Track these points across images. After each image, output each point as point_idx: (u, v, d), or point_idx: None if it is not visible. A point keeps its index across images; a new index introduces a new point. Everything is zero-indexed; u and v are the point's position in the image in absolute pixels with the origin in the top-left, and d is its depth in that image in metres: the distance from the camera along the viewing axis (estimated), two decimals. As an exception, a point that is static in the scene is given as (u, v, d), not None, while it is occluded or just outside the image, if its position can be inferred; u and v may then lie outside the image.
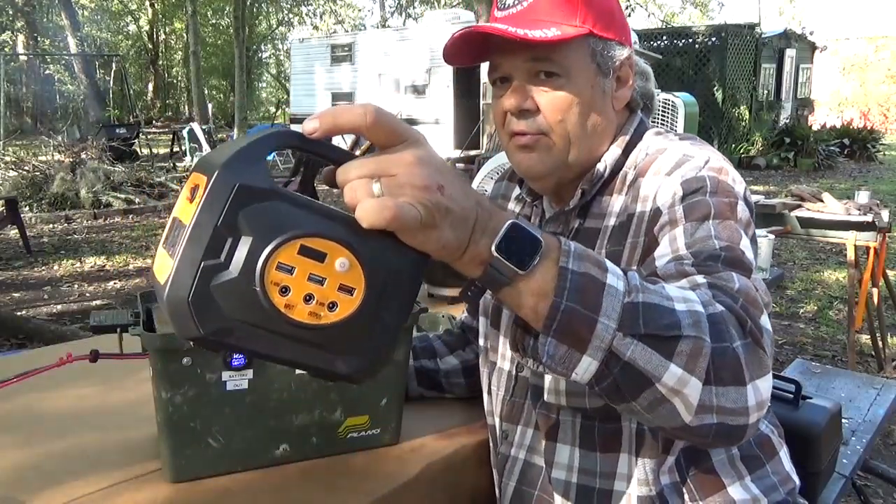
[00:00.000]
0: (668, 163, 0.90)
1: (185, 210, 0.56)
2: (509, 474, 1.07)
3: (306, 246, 0.54)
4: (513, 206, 1.14)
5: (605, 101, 0.95)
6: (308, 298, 0.55)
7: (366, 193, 0.54)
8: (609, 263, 0.64)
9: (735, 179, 0.87)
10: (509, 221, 0.60)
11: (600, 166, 0.97)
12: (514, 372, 1.08)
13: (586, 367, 0.62)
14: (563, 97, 0.92)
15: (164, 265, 0.57)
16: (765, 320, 0.71)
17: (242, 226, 0.53)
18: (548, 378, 1.00)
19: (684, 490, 0.94)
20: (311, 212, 0.55)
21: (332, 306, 0.56)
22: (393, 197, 0.54)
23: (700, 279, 0.72)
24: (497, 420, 1.10)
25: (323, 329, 0.56)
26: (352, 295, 0.56)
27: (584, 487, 0.97)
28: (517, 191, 1.12)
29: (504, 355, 1.10)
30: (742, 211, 0.83)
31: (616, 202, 0.95)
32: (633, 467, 0.94)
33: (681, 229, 0.82)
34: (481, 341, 1.16)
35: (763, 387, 0.66)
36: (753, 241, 0.84)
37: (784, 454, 1.03)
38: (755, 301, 0.71)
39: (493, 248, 0.59)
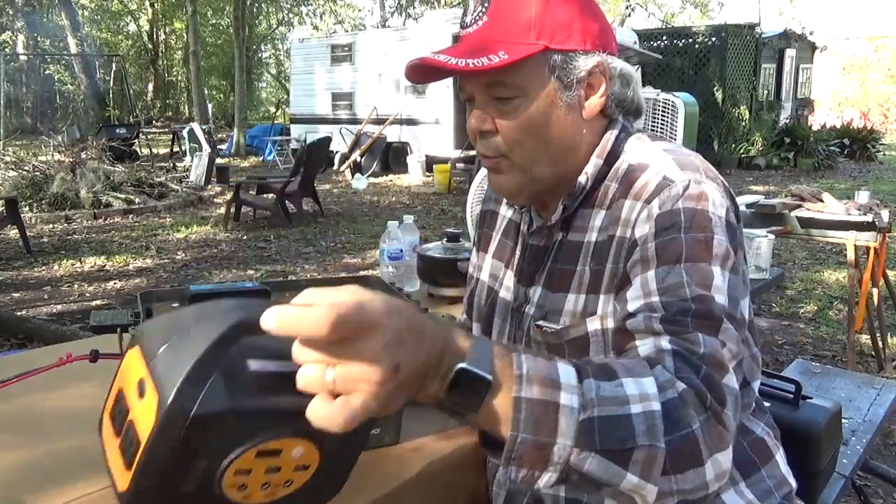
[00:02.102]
0: (648, 186, 0.88)
1: (135, 406, 0.55)
2: (500, 484, 1.07)
3: (263, 449, 0.55)
4: (505, 210, 1.13)
5: (572, 114, 0.92)
6: (265, 485, 0.57)
7: (318, 386, 0.53)
8: (563, 374, 0.66)
9: (715, 202, 0.85)
10: (457, 367, 0.61)
11: (581, 179, 0.95)
12: None
13: (547, 479, 0.65)
14: (521, 119, 0.90)
15: (118, 466, 0.56)
16: (729, 380, 0.74)
17: (198, 450, 0.53)
18: None
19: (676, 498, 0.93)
20: (267, 417, 0.55)
21: (287, 483, 0.58)
22: (346, 388, 0.53)
23: (666, 344, 0.75)
24: None
25: (279, 500, 0.59)
26: (307, 469, 0.58)
27: (573, 500, 0.96)
28: None
29: None
30: (718, 245, 0.81)
31: (598, 216, 0.94)
32: None
33: (652, 273, 0.82)
34: None
35: (723, 459, 0.69)
36: (733, 267, 0.82)
37: (781, 457, 1.02)
38: (720, 364, 0.74)
39: (443, 394, 0.61)
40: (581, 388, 0.66)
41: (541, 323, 0.97)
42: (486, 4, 0.90)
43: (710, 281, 0.79)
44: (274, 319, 0.51)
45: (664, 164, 0.89)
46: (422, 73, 0.92)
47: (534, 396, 0.63)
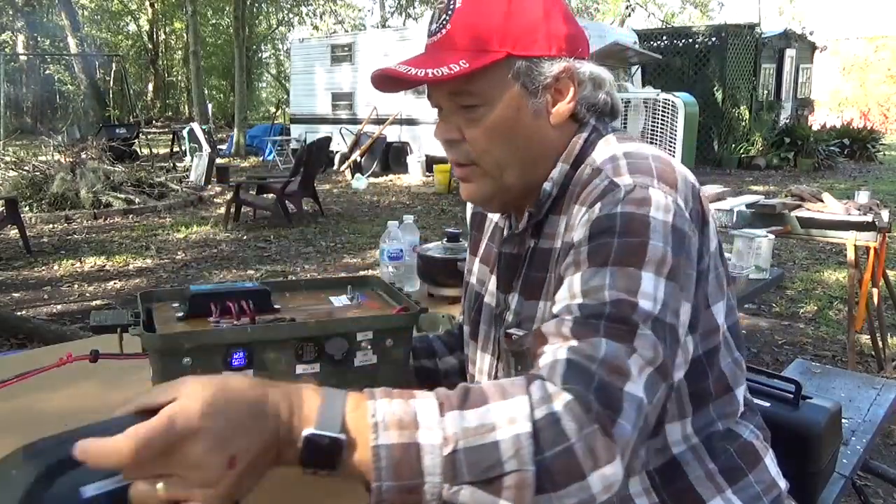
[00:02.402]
0: (595, 191, 0.86)
1: None
2: None
3: None
4: (492, 215, 1.12)
5: (539, 120, 0.92)
6: None
7: (152, 500, 0.57)
8: (422, 411, 0.66)
9: (660, 207, 0.81)
10: (304, 436, 0.63)
11: (547, 185, 0.94)
12: None
13: None
14: (486, 126, 0.90)
15: None
16: (632, 387, 0.71)
17: None
18: None
19: None
20: None
21: None
22: (181, 496, 0.57)
23: (562, 353, 0.73)
24: None
25: None
26: None
27: None
28: None
29: (481, 369, 1.09)
30: (653, 250, 0.78)
31: (562, 223, 0.93)
32: None
33: (578, 276, 0.80)
34: (465, 350, 1.16)
35: (611, 471, 0.67)
36: (670, 274, 0.79)
37: (770, 459, 1.00)
38: (619, 370, 0.71)
39: (299, 460, 0.64)
40: (443, 422, 0.66)
41: (511, 331, 0.98)
42: (449, 12, 0.89)
43: (635, 286, 0.77)
44: (81, 455, 0.56)
45: (615, 167, 0.87)
46: (386, 82, 0.92)
47: (392, 442, 0.64)
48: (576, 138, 0.95)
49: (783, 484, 1.00)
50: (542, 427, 0.66)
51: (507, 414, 0.67)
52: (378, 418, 0.65)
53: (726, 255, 2.45)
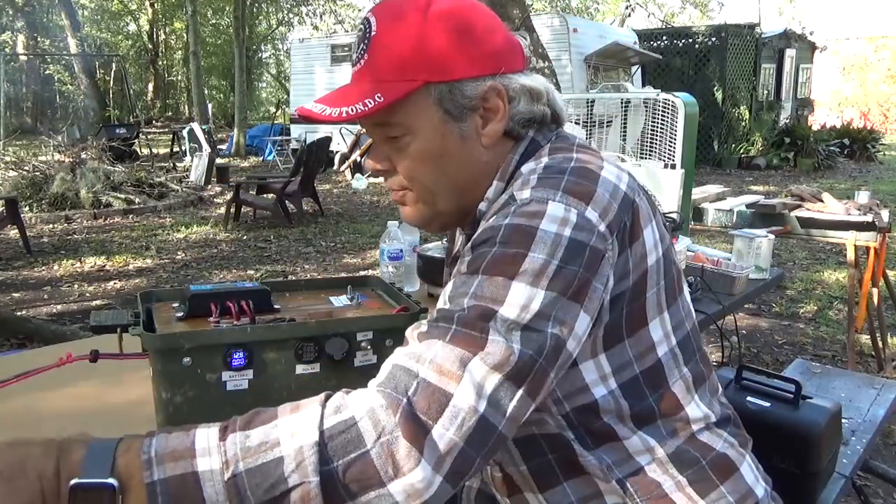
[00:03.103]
0: (497, 205, 0.85)
1: None
2: (467, 501, 1.06)
3: None
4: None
5: (468, 144, 0.89)
6: None
7: None
8: (200, 439, 0.65)
9: (555, 220, 0.77)
10: (70, 485, 0.61)
11: (483, 206, 0.91)
12: None
13: None
14: (412, 155, 0.88)
15: None
16: (458, 390, 0.68)
17: None
18: None
19: None
20: None
21: None
22: None
23: (395, 358, 0.72)
24: None
25: None
26: None
27: None
28: None
29: None
30: (531, 262, 0.75)
31: None
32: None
33: (451, 284, 0.79)
34: None
35: (415, 479, 0.65)
36: (551, 286, 0.75)
37: (747, 466, 0.97)
38: (448, 373, 0.69)
39: None
40: (223, 446, 0.64)
41: None
42: (367, 41, 0.87)
43: (501, 295, 0.73)
44: None
45: (524, 182, 0.84)
46: (312, 119, 0.89)
47: (167, 475, 0.62)
48: (510, 154, 0.91)
49: (762, 490, 0.97)
50: (331, 434, 0.65)
51: (293, 427, 0.65)
52: (150, 454, 0.63)
53: (726, 255, 2.46)
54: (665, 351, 0.90)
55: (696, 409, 0.94)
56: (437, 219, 0.95)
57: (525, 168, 0.88)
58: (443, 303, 0.78)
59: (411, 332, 0.76)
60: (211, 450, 0.64)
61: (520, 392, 0.72)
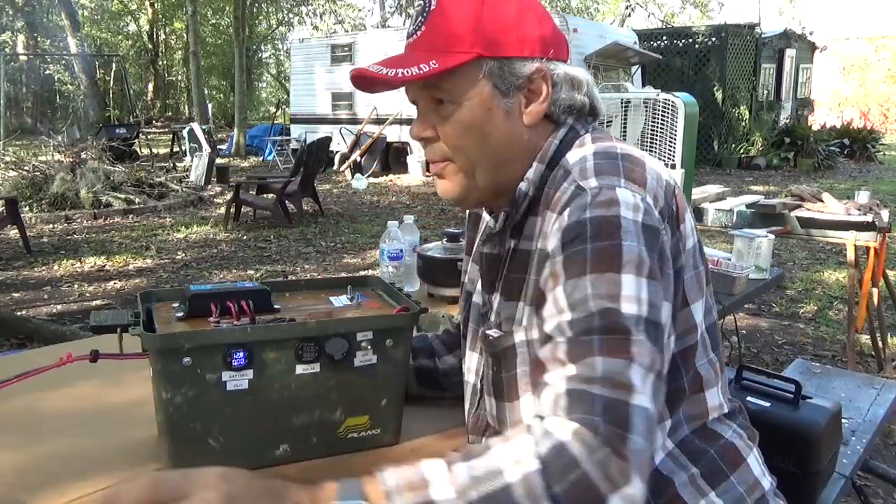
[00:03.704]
0: (563, 197, 0.87)
1: None
2: None
3: None
4: (485, 214, 1.12)
5: (511, 120, 0.93)
6: None
7: None
8: (430, 470, 0.69)
9: (629, 206, 0.82)
10: None
11: (523, 185, 0.94)
12: (478, 385, 1.08)
13: None
14: (458, 124, 0.92)
15: None
16: (639, 399, 0.72)
17: None
18: (486, 401, 1.01)
19: None
20: None
21: None
22: None
23: (561, 385, 0.74)
24: (467, 431, 1.11)
25: None
26: None
27: None
28: None
29: (470, 368, 1.10)
30: (628, 252, 0.79)
31: (538, 224, 0.93)
32: None
33: (560, 289, 0.81)
34: (461, 349, 1.17)
35: (631, 491, 0.68)
36: (651, 273, 0.79)
37: (753, 458, 0.99)
38: (620, 385, 0.72)
39: None
40: (452, 476, 0.68)
41: (489, 332, 0.99)
42: (425, 14, 0.92)
43: (617, 290, 0.77)
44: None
45: (582, 169, 0.88)
46: (364, 82, 0.94)
47: (407, 503, 0.67)
48: (551, 138, 0.96)
49: (767, 483, 0.99)
50: (549, 461, 0.67)
51: (512, 456, 0.69)
52: (390, 485, 0.68)
53: (726, 255, 2.46)
54: (700, 333, 0.95)
55: (715, 395, 0.98)
56: (473, 193, 0.97)
57: (572, 155, 0.92)
58: (559, 311, 0.80)
59: (552, 353, 0.78)
60: (442, 480, 0.68)
61: (662, 387, 0.77)
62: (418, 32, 0.92)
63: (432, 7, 0.91)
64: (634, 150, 0.92)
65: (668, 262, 0.84)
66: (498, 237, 1.00)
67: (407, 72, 0.88)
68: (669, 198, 0.88)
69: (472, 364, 1.09)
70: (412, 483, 0.68)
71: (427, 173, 11.72)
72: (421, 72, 0.87)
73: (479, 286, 1.09)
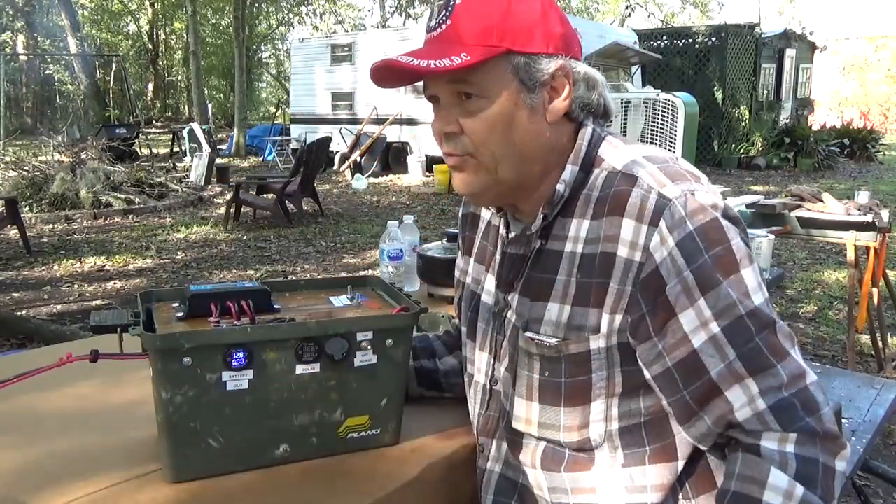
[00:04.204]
0: (646, 206, 0.88)
1: None
2: (486, 488, 1.07)
3: None
4: (486, 213, 1.13)
5: (536, 117, 0.93)
6: None
7: None
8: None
9: (715, 205, 0.88)
10: None
11: (560, 187, 0.95)
12: (488, 385, 1.08)
13: None
14: (484, 118, 0.91)
15: None
16: (809, 378, 0.86)
17: None
18: (517, 405, 1.00)
19: (678, 489, 0.94)
20: None
21: None
22: None
23: (761, 403, 0.86)
24: (475, 432, 1.11)
25: None
26: None
27: None
28: None
29: (479, 368, 1.09)
30: (738, 249, 0.87)
31: (581, 227, 0.93)
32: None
33: (702, 302, 0.86)
34: (462, 350, 1.17)
35: (846, 452, 0.86)
36: (750, 256, 0.89)
37: None
38: (797, 378, 0.85)
39: None
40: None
41: (533, 336, 0.97)
42: (450, 8, 0.91)
43: (746, 287, 0.86)
44: None
45: (653, 177, 0.90)
46: (386, 75, 0.93)
47: None
48: (580, 140, 0.96)
49: None
50: (808, 474, 0.83)
51: (779, 492, 0.83)
52: None
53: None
54: None
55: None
56: (492, 188, 0.96)
57: (610, 157, 0.95)
58: (706, 322, 0.86)
59: (728, 372, 0.86)
60: None
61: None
62: (443, 26, 0.92)
63: (457, 1, 0.91)
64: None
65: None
66: (526, 238, 1.00)
67: (439, 63, 0.87)
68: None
69: (482, 364, 1.09)
70: None
71: (427, 173, 11.73)
72: (453, 63, 0.87)
73: (488, 286, 1.08)
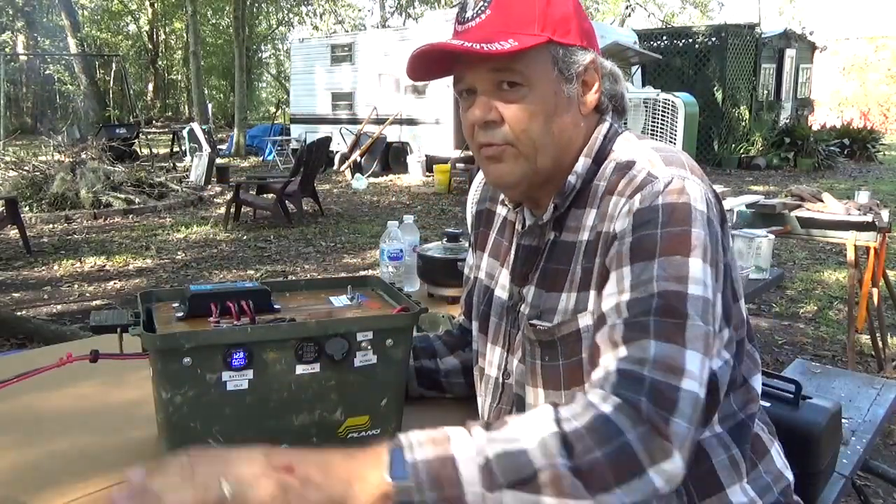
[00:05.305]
0: (633, 182, 0.89)
1: None
2: None
3: None
4: (501, 209, 1.14)
5: (571, 107, 0.95)
6: None
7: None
8: (451, 431, 0.74)
9: (697, 198, 0.86)
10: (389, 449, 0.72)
11: (571, 178, 0.96)
12: (500, 379, 1.08)
13: None
14: (527, 107, 0.92)
15: None
16: (687, 384, 0.75)
17: None
18: (529, 395, 1.01)
19: (682, 491, 0.93)
20: None
21: None
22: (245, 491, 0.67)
23: (613, 365, 0.78)
24: None
25: None
26: None
27: None
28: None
29: (491, 362, 1.10)
30: (697, 238, 0.83)
31: (588, 216, 0.95)
32: None
33: (627, 269, 0.84)
34: (473, 345, 1.17)
35: (670, 468, 0.72)
36: (713, 261, 0.84)
37: (776, 451, 1.03)
38: (671, 368, 0.76)
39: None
40: (472, 438, 0.73)
41: (534, 322, 0.98)
42: (486, 1, 0.92)
43: (684, 273, 0.81)
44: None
45: (650, 160, 0.91)
46: (426, 62, 0.93)
47: (428, 456, 0.71)
48: (596, 133, 0.98)
49: (790, 476, 1.02)
50: (589, 428, 0.72)
51: (530, 424, 0.74)
52: (412, 439, 0.73)
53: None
54: (747, 325, 0.99)
55: (758, 384, 1.01)
56: (528, 178, 0.96)
57: (623, 151, 0.95)
58: (624, 291, 0.82)
59: (608, 335, 0.81)
60: (464, 439, 0.72)
61: (711, 370, 0.81)
62: (483, 15, 0.92)
63: None
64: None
65: (722, 255, 0.88)
66: (539, 229, 1.01)
67: (491, 47, 0.87)
68: (717, 197, 0.92)
69: (494, 358, 1.09)
70: (434, 438, 0.73)
71: (427, 173, 11.72)
72: (503, 48, 0.87)
73: (502, 280, 1.09)
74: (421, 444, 0.72)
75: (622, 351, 0.79)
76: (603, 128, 0.98)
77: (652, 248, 0.83)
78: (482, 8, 0.92)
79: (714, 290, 0.82)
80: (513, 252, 1.07)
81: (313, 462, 0.71)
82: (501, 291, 1.08)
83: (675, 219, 0.84)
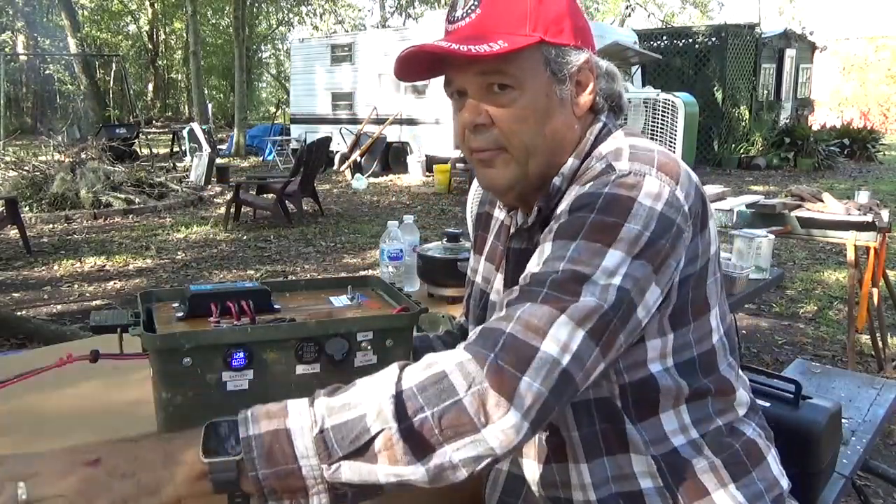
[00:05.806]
0: (591, 172, 0.89)
1: None
2: (493, 485, 1.07)
3: None
4: (498, 213, 1.13)
5: (564, 109, 0.93)
6: None
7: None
8: (292, 403, 0.71)
9: (651, 195, 0.82)
10: (206, 425, 0.70)
11: (557, 180, 0.94)
12: None
13: (317, 502, 0.68)
14: (518, 109, 0.89)
15: None
16: (545, 345, 0.71)
17: None
18: None
19: (668, 495, 0.92)
20: None
21: None
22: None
23: (487, 322, 0.76)
24: None
25: None
26: None
27: (566, 500, 0.97)
28: None
29: None
30: (627, 232, 0.79)
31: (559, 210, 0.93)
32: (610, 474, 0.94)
33: (549, 245, 0.82)
34: None
35: (506, 426, 0.69)
36: (647, 257, 0.79)
37: (773, 458, 1.01)
38: (534, 328, 0.73)
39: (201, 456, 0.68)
40: (312, 409, 0.70)
41: None
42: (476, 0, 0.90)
43: (597, 260, 0.77)
44: None
45: (618, 154, 0.89)
46: (412, 64, 0.92)
47: (261, 431, 0.68)
48: (588, 134, 0.96)
49: (785, 483, 1.00)
50: (425, 386, 0.69)
51: (371, 386, 0.71)
52: (247, 414, 0.70)
53: (726, 255, 2.46)
54: (718, 338, 0.95)
55: (743, 393, 0.99)
56: (521, 182, 0.95)
57: (606, 146, 0.93)
58: (536, 265, 0.81)
59: (503, 301, 0.79)
60: (301, 411, 0.70)
61: (596, 349, 0.75)
62: (472, 15, 0.90)
63: None
64: (668, 151, 0.94)
65: (677, 256, 0.83)
66: (527, 232, 1.00)
67: (479, 48, 0.84)
68: (698, 198, 0.88)
69: None
70: (270, 412, 0.70)
71: (427, 173, 11.72)
72: (492, 49, 0.84)
73: (497, 285, 1.08)
74: (256, 418, 0.69)
75: (500, 313, 0.76)
76: (596, 128, 0.96)
77: (577, 231, 0.80)
78: (472, 7, 0.90)
79: (637, 285, 0.78)
80: (505, 255, 1.07)
81: (121, 451, 0.69)
82: (496, 296, 1.08)
83: (611, 209, 0.81)
